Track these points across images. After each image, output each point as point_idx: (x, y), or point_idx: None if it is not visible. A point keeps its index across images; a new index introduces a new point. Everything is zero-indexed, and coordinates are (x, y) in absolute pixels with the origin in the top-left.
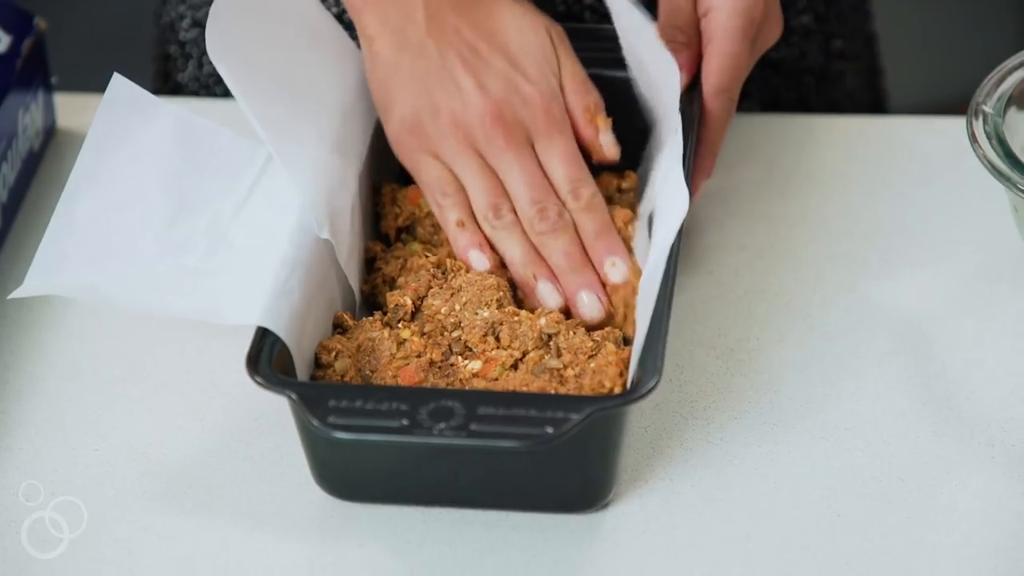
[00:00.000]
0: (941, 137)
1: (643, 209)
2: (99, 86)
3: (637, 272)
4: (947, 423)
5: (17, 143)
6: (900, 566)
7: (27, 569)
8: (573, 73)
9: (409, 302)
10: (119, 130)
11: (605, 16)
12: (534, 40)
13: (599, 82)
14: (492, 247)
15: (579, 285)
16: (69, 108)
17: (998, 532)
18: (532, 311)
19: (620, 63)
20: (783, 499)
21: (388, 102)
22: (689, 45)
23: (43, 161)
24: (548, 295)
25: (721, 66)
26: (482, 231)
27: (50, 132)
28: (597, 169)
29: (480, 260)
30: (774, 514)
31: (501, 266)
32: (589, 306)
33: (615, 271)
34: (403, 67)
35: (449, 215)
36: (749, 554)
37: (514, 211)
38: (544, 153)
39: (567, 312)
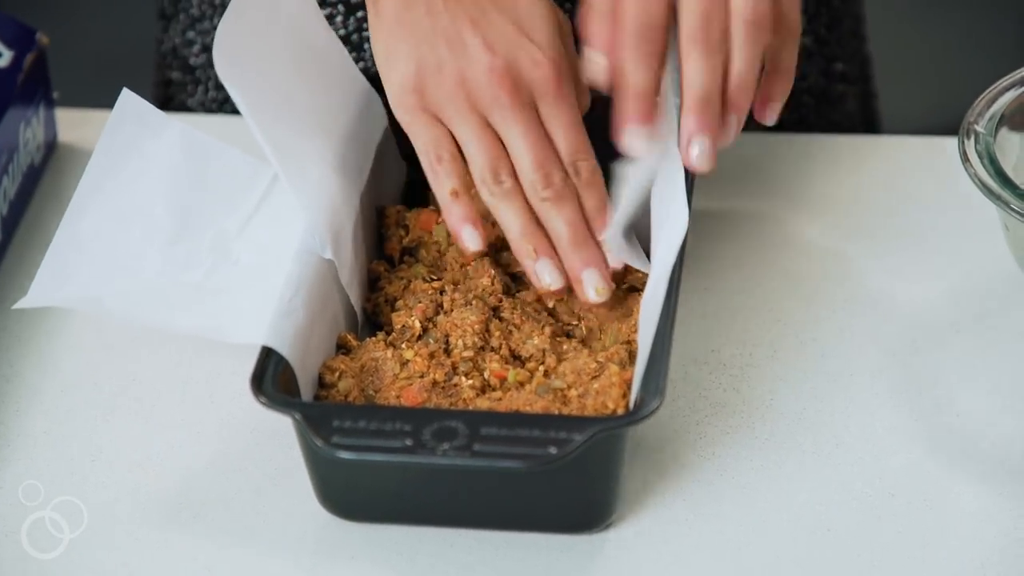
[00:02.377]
0: (934, 156)
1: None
2: (101, 101)
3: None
4: (938, 439)
5: (18, 157)
6: None
7: (27, 569)
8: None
9: (417, 324)
10: (126, 145)
11: None
12: (546, 10)
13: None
14: (484, 223)
15: (583, 262)
16: (70, 123)
17: (987, 548)
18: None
19: None
20: (774, 513)
21: (390, 60)
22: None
23: (44, 175)
24: (548, 273)
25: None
26: (475, 205)
27: (51, 146)
28: None
29: (472, 237)
30: (765, 529)
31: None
32: (595, 286)
33: (611, 256)
34: (408, 24)
35: (444, 182)
36: (740, 568)
37: (515, 177)
38: (549, 119)
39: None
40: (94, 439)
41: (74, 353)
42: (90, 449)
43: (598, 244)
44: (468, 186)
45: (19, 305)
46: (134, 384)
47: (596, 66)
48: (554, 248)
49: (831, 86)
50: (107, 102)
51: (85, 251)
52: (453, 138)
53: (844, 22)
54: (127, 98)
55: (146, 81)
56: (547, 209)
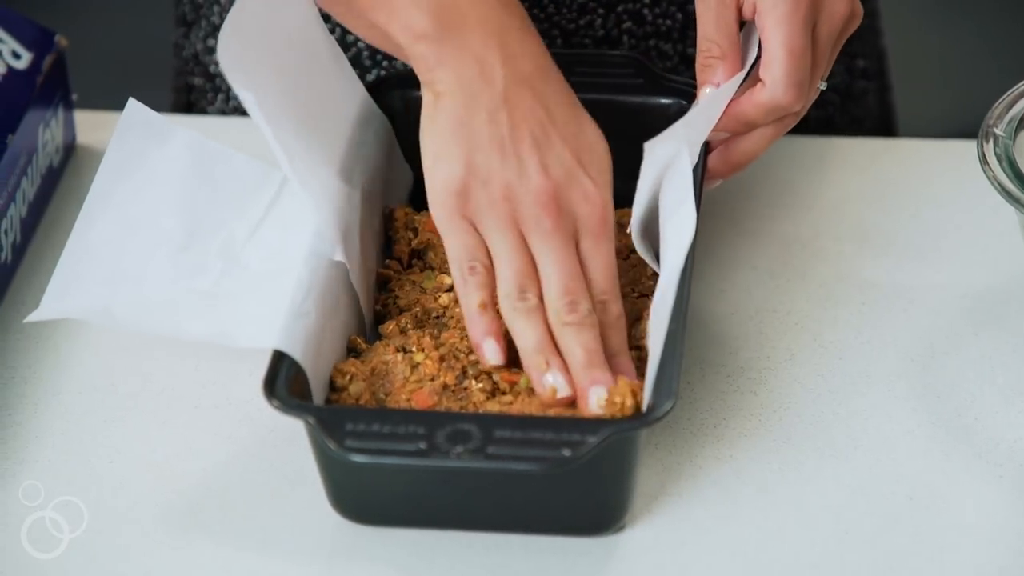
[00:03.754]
0: (952, 159)
1: (633, 224)
2: (119, 104)
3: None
4: (956, 442)
5: (37, 159)
6: None
7: (27, 569)
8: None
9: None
10: (134, 154)
11: (643, 38)
12: (605, 147)
13: (614, 107)
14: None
15: (592, 381)
16: (89, 125)
17: (1005, 551)
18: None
19: (636, 89)
20: (792, 516)
21: (440, 159)
22: (724, 57)
23: (63, 177)
24: (557, 381)
25: (774, 55)
26: (501, 320)
27: (70, 148)
28: None
29: (494, 353)
30: (783, 531)
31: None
32: (598, 402)
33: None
34: (469, 127)
35: (472, 294)
36: (757, 571)
37: (540, 297)
38: (587, 254)
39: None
40: (111, 440)
41: (92, 354)
42: (107, 449)
43: (609, 369)
44: (495, 301)
45: (31, 318)
46: (150, 385)
47: None
48: (563, 363)
49: (854, 82)
50: (125, 105)
51: (95, 262)
52: (487, 250)
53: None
54: (133, 107)
55: (164, 84)
56: (567, 333)
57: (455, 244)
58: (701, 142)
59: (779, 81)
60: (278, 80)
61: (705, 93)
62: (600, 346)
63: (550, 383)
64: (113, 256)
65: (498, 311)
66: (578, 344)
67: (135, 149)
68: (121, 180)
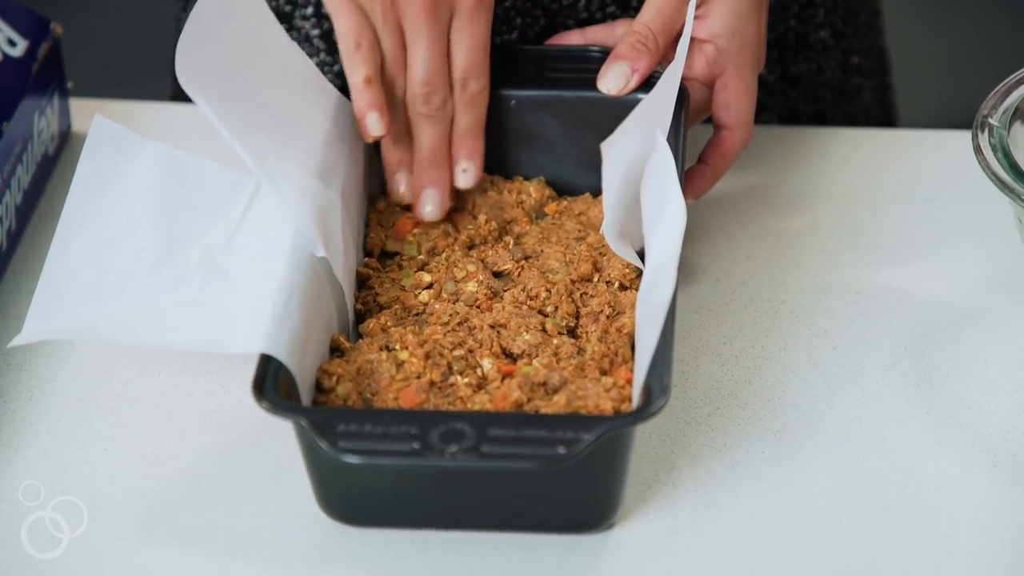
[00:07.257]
0: (947, 150)
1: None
2: (115, 91)
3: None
4: (949, 432)
5: (32, 146)
6: (900, 573)
7: (27, 569)
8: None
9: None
10: (105, 170)
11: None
12: None
13: (596, 103)
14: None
15: (429, 180)
16: (84, 113)
17: (998, 540)
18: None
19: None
20: (786, 505)
21: None
22: (655, 53)
23: (57, 164)
24: (400, 184)
25: (740, 98)
26: (382, 93)
27: (65, 136)
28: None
29: (375, 123)
30: (777, 520)
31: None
32: (431, 204)
33: (465, 176)
34: None
35: (358, 68)
36: (751, 560)
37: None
38: (457, 33)
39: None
40: (106, 427)
41: (87, 344)
42: (102, 436)
43: (451, 168)
44: (380, 75)
45: (15, 343)
46: (145, 372)
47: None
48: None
49: (848, 79)
50: (121, 92)
51: (75, 280)
52: (374, 30)
53: (861, 15)
54: (100, 124)
55: (159, 71)
56: (419, 124)
57: (342, 24)
58: (668, 124)
59: (747, 122)
60: (242, 85)
61: (625, 70)
62: (446, 140)
63: (399, 190)
64: (93, 273)
65: (381, 86)
66: (425, 136)
67: (105, 165)
68: (94, 197)
